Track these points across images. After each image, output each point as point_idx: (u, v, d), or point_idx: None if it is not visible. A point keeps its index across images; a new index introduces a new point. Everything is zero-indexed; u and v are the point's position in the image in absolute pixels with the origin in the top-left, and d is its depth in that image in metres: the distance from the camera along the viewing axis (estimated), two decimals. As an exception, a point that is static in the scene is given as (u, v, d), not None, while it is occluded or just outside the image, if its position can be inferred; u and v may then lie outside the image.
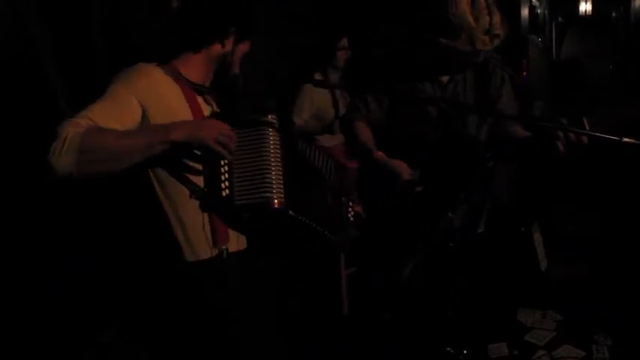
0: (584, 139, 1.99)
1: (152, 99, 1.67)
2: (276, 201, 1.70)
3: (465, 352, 2.54)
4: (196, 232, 1.75)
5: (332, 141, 4.01)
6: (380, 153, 2.39)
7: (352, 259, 3.45)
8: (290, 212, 1.75)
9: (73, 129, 1.51)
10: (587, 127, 1.99)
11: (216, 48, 1.81)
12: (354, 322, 3.25)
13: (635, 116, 2.00)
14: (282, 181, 1.73)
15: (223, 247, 1.78)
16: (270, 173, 1.71)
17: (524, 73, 4.39)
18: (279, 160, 1.75)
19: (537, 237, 3.66)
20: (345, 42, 3.98)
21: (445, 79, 2.46)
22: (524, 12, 4.54)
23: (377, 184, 2.41)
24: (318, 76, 3.94)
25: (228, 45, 1.82)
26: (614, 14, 5.19)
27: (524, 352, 2.91)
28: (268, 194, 1.70)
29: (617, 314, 3.05)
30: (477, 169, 2.39)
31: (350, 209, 2.02)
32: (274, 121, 1.77)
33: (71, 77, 2.54)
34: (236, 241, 1.83)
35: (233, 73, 1.89)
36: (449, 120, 2.42)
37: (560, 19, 5.37)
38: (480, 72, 2.47)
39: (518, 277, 3.40)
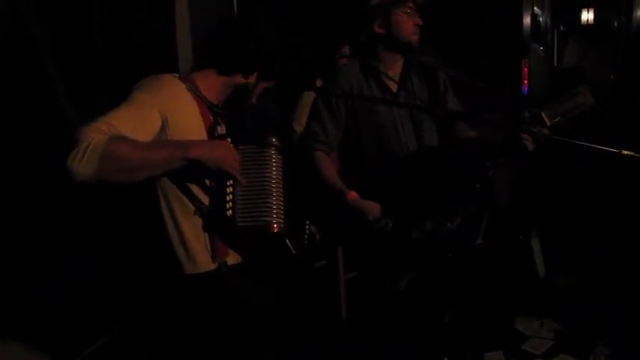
0: (547, 133, 2.07)
1: (172, 112, 1.71)
2: (275, 225, 1.75)
3: (461, 361, 2.55)
4: (197, 247, 1.78)
5: None
6: (352, 194, 2.36)
7: (351, 264, 3.45)
8: (287, 241, 1.80)
9: (96, 135, 1.52)
10: (547, 122, 2.07)
11: (238, 78, 1.88)
12: (353, 328, 3.24)
13: (587, 104, 2.05)
14: (282, 206, 1.78)
15: (222, 261, 1.81)
16: (272, 197, 1.77)
17: (525, 82, 4.40)
18: (280, 184, 1.80)
19: (536, 245, 3.67)
20: (346, 50, 3.99)
21: (394, 86, 2.49)
22: (526, 20, 4.55)
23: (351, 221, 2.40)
24: (319, 84, 3.95)
25: (252, 78, 1.90)
26: (615, 23, 5.21)
27: (521, 361, 2.91)
28: (268, 218, 1.75)
29: (616, 321, 3.05)
30: (475, 179, 2.41)
31: (307, 230, 2.04)
32: (277, 144, 1.82)
33: (71, 77, 2.54)
34: (234, 254, 1.85)
35: (250, 103, 1.94)
36: (408, 124, 2.45)
37: (562, 27, 5.39)
38: (425, 77, 2.51)
39: (517, 285, 3.40)
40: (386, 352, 2.58)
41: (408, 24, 2.39)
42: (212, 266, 1.80)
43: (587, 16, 5.26)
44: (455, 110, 2.51)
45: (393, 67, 2.50)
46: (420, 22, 2.40)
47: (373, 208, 2.33)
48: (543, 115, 2.08)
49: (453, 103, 2.54)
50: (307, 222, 2.05)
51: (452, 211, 2.39)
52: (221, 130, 1.86)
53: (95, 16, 2.71)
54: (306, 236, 2.03)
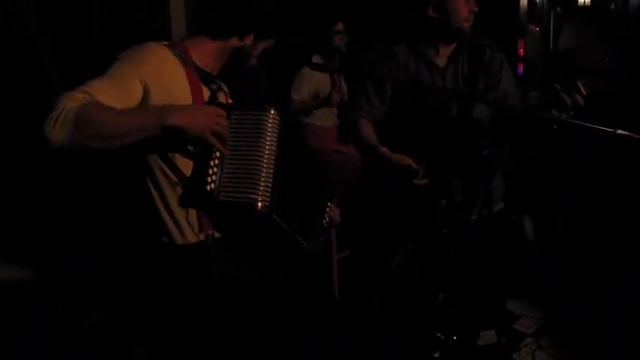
0: (580, 100, 1.99)
1: (155, 80, 1.66)
2: (260, 204, 1.66)
3: (454, 338, 2.57)
4: (182, 218, 1.73)
5: (326, 122, 4.06)
6: (384, 148, 2.38)
7: (345, 243, 3.46)
8: (274, 217, 1.71)
9: (71, 102, 1.51)
10: (583, 91, 1.99)
11: (234, 41, 1.81)
12: (345, 306, 3.27)
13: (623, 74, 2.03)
14: (270, 182, 1.69)
15: (209, 232, 1.77)
16: (261, 172, 1.68)
17: (521, 63, 4.39)
18: (272, 156, 1.71)
19: (529, 226, 3.69)
20: (340, 26, 4.01)
21: (443, 64, 2.47)
22: (523, 1, 4.54)
23: (381, 178, 2.40)
24: (317, 59, 3.97)
25: (248, 40, 1.82)
26: (612, 6, 5.20)
27: (512, 340, 2.95)
28: (253, 195, 1.66)
29: (604, 306, 3.08)
30: (472, 157, 2.41)
31: (325, 214, 1.98)
32: (275, 114, 1.73)
33: (70, 77, 2.53)
34: None
35: (249, 65, 1.88)
36: (452, 106, 2.43)
37: (558, 9, 5.38)
38: (476, 56, 2.49)
39: (509, 266, 3.42)
40: (376, 335, 2.60)
41: (462, 9, 2.37)
42: (199, 237, 1.76)
43: (584, -3, 5.24)
44: (502, 91, 2.47)
45: (445, 48, 2.49)
46: (476, 9, 2.39)
47: (405, 159, 2.33)
48: (579, 83, 2.00)
49: (507, 82, 2.51)
50: (328, 206, 1.98)
51: (448, 188, 2.40)
52: (215, 96, 1.81)
53: (95, 16, 2.70)
54: (324, 221, 1.97)
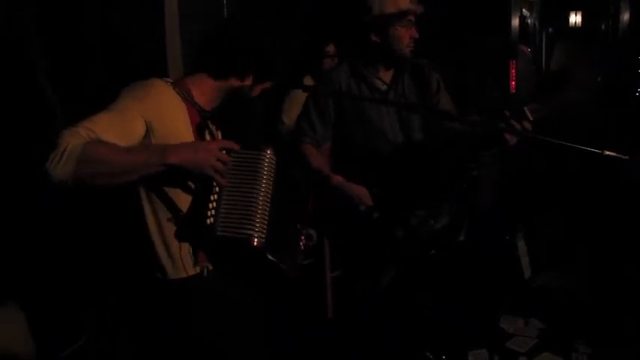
0: (528, 126, 2.05)
1: (158, 117, 1.70)
2: (256, 240, 1.70)
3: (444, 357, 2.56)
4: (178, 251, 1.76)
5: None
6: (337, 178, 2.41)
7: (338, 262, 3.46)
8: (268, 255, 1.76)
9: (73, 139, 1.53)
10: (530, 116, 2.06)
11: (233, 81, 1.84)
12: (339, 326, 3.26)
13: (572, 101, 2.06)
14: (266, 219, 1.73)
15: (204, 265, 1.80)
16: (257, 209, 1.72)
17: (513, 83, 4.44)
18: (269, 194, 1.75)
19: (522, 245, 3.70)
20: (331, 49, 4.05)
21: (384, 87, 2.52)
22: (515, 22, 4.60)
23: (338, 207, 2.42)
24: (309, 81, 4.00)
25: (247, 81, 1.85)
26: (603, 27, 5.26)
27: (505, 359, 2.93)
28: (250, 232, 1.70)
29: (599, 322, 3.08)
30: (460, 179, 2.44)
31: (302, 236, 2.01)
32: (272, 154, 1.78)
33: (63, 79, 2.54)
34: None
35: (247, 103, 1.91)
36: (396, 124, 2.47)
37: (550, 29, 5.44)
38: (416, 77, 2.55)
39: (502, 284, 3.43)
40: (371, 349, 2.60)
41: (404, 37, 2.42)
42: (194, 271, 1.79)
43: (575, 18, 5.31)
44: (443, 110, 2.52)
45: (386, 71, 2.54)
46: (416, 36, 2.43)
47: (360, 191, 2.35)
48: (526, 109, 2.07)
49: (445, 102, 2.56)
50: (300, 228, 2.00)
51: (437, 209, 2.42)
52: (214, 134, 1.85)
53: (88, 16, 2.71)
54: (301, 243, 2.00)
